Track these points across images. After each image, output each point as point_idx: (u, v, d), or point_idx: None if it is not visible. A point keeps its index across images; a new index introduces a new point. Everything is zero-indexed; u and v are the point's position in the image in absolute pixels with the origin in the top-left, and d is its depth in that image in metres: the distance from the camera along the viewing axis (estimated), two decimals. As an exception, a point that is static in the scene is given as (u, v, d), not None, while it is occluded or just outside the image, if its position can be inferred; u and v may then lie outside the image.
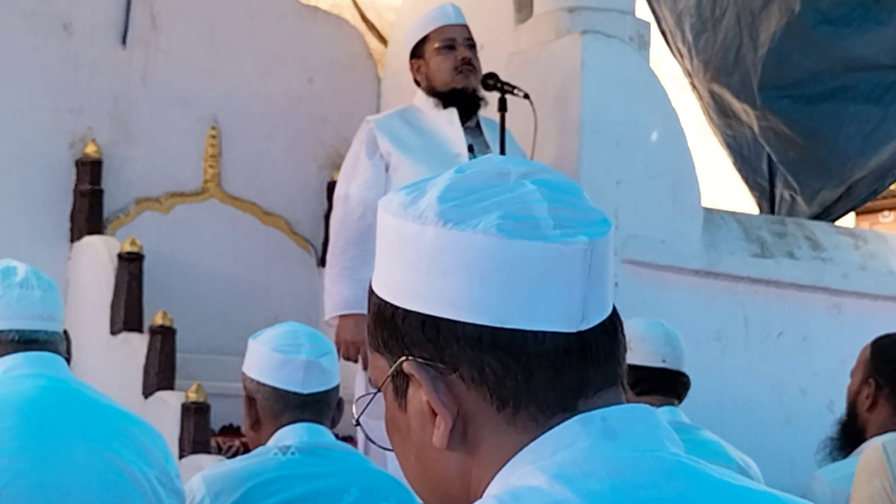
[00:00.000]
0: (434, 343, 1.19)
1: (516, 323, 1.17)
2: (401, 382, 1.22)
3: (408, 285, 1.21)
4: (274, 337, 3.10)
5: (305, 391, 3.07)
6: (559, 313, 1.18)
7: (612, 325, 1.22)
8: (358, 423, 1.30)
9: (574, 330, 1.18)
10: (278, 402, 3.07)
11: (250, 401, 3.09)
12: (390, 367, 1.22)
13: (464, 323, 1.18)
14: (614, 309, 1.23)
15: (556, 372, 1.18)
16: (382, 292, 1.24)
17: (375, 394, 1.26)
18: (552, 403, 1.18)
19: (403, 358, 1.21)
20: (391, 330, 1.22)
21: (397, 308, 1.21)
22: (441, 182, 1.22)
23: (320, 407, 3.10)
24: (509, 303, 1.17)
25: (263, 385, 3.07)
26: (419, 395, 1.20)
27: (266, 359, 3.08)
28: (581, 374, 1.19)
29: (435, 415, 1.20)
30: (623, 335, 1.23)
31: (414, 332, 1.20)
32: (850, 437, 3.59)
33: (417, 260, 1.20)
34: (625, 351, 1.24)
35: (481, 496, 1.19)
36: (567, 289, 1.18)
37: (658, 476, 1.16)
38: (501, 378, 1.18)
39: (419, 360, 1.20)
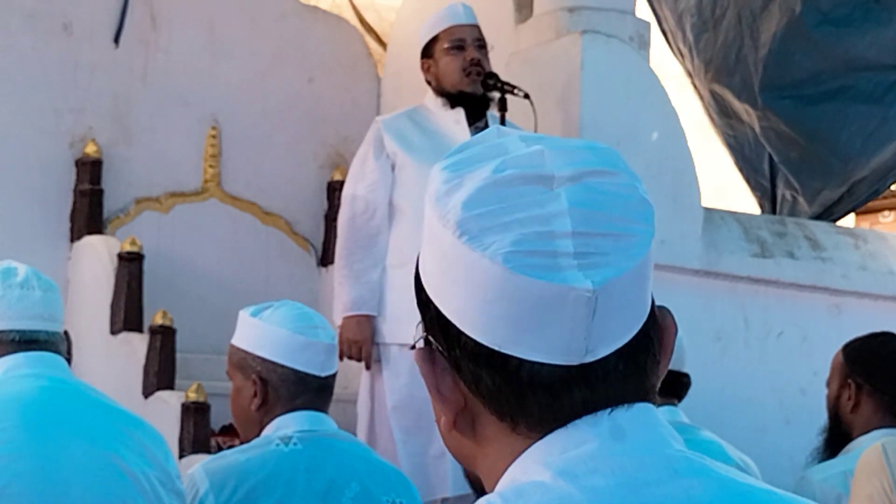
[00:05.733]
0: (444, 337, 1.19)
1: (513, 350, 1.15)
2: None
3: (430, 275, 1.20)
4: (288, 318, 3.05)
5: (324, 374, 3.06)
6: (559, 349, 1.15)
7: (635, 347, 1.18)
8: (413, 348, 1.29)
9: (576, 363, 1.16)
10: (297, 385, 3.03)
11: (263, 381, 3.04)
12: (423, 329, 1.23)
13: (465, 334, 1.17)
14: (648, 321, 1.19)
15: (551, 398, 1.16)
16: (420, 264, 1.22)
17: (420, 339, 1.24)
18: (549, 421, 1.17)
19: (424, 335, 1.21)
20: (421, 305, 1.22)
21: (424, 288, 1.21)
22: (475, 181, 1.18)
23: (330, 391, 3.09)
24: (507, 331, 1.15)
25: (282, 367, 3.03)
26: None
27: (285, 340, 3.03)
28: (586, 397, 1.17)
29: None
30: (654, 348, 1.19)
31: (432, 319, 1.20)
32: (836, 443, 3.62)
33: (439, 257, 1.18)
34: (654, 363, 1.20)
35: (491, 488, 1.19)
36: (569, 329, 1.14)
37: (664, 473, 1.15)
38: (495, 395, 1.17)
39: (435, 346, 1.20)
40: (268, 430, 3.04)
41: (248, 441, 3.10)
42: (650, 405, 1.19)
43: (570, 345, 1.15)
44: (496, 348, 1.15)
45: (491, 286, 1.14)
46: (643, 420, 1.18)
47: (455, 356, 1.18)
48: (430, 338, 1.20)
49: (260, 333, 3.05)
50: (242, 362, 3.07)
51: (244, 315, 3.09)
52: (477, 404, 1.19)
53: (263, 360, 3.04)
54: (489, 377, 1.16)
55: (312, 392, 3.04)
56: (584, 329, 1.14)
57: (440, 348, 1.19)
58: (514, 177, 1.17)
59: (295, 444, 3.00)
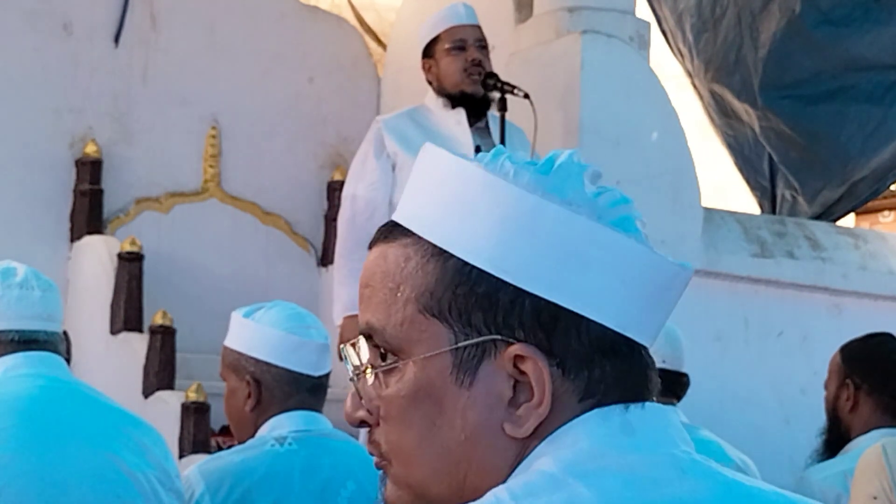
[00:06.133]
0: (546, 331, 1.16)
1: (631, 332, 1.18)
2: (471, 357, 1.16)
3: (532, 267, 1.15)
4: (281, 318, 3.04)
5: (317, 374, 3.06)
6: (653, 329, 1.20)
7: None
8: (351, 379, 1.25)
9: (650, 345, 1.20)
10: (290, 385, 3.03)
11: (257, 382, 3.04)
12: (456, 336, 1.17)
13: (590, 321, 1.16)
14: None
15: (645, 379, 1.19)
16: (482, 262, 1.16)
17: (394, 363, 1.19)
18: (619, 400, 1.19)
19: (497, 336, 1.16)
20: (483, 304, 1.16)
21: (506, 285, 1.15)
22: (577, 170, 1.20)
23: (324, 390, 3.09)
24: (635, 313, 1.18)
25: (275, 367, 3.02)
26: (498, 377, 1.16)
27: (278, 341, 3.02)
28: (655, 381, 1.22)
29: (515, 403, 1.16)
30: None
31: (524, 316, 1.15)
32: (835, 444, 3.63)
33: (554, 245, 1.16)
34: None
35: None
36: (669, 306, 1.22)
37: (671, 473, 1.15)
38: (605, 377, 1.17)
39: (528, 345, 1.16)
40: (262, 431, 3.04)
41: (243, 442, 3.10)
42: (662, 405, 1.20)
43: (659, 324, 1.21)
44: (620, 331, 1.17)
45: (634, 266, 1.17)
46: (653, 418, 1.19)
47: (564, 346, 1.16)
48: (514, 339, 1.16)
49: (253, 334, 3.05)
50: (236, 363, 3.06)
51: (237, 316, 3.09)
52: (562, 394, 1.16)
53: (257, 360, 3.03)
54: (607, 360, 1.17)
55: (306, 392, 3.04)
56: (672, 308, 1.21)
57: (539, 345, 1.16)
58: (594, 172, 1.22)
59: (290, 444, 3.00)
